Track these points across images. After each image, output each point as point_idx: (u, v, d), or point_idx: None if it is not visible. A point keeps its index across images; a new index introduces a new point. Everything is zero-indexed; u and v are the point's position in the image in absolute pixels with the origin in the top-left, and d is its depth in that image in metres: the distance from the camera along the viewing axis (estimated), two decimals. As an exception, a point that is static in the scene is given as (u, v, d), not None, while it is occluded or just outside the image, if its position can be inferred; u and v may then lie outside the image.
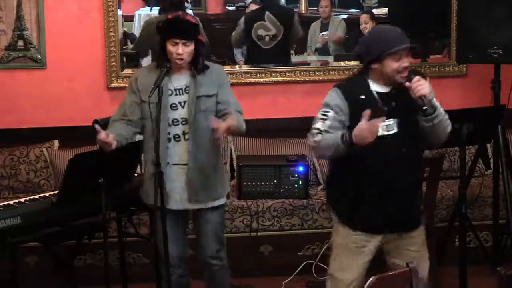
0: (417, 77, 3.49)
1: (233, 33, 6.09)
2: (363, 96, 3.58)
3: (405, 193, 3.64)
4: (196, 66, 3.91)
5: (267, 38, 6.04)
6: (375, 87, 3.60)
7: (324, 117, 3.58)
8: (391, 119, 3.57)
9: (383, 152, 3.56)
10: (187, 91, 3.92)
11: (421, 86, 3.46)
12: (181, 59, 3.85)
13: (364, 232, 3.68)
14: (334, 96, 3.63)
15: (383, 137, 3.53)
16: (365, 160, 3.55)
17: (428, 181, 4.70)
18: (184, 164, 3.95)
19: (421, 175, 3.68)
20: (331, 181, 3.87)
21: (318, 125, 3.57)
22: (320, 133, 3.54)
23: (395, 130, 3.58)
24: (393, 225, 3.69)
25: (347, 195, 3.67)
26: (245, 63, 6.08)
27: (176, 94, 3.93)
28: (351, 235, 3.69)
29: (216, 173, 4.02)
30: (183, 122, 3.93)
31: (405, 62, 3.52)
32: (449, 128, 3.65)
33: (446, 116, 3.62)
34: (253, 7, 6.42)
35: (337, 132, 3.52)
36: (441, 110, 3.57)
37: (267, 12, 6.07)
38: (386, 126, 3.56)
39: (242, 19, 6.08)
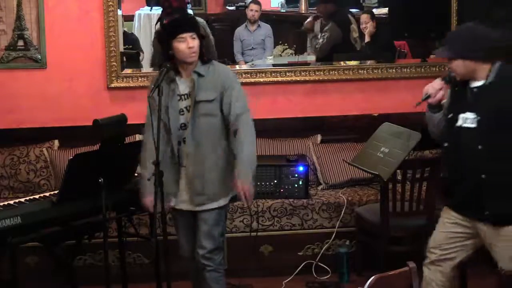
0: None
1: (329, 38, 6.01)
2: (457, 88, 3.82)
3: (481, 187, 3.67)
4: (202, 59, 3.93)
5: (358, 39, 6.07)
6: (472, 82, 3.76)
7: None
8: (472, 113, 3.68)
9: (459, 144, 3.72)
10: (190, 96, 3.94)
11: None
12: (193, 53, 3.87)
13: (454, 211, 3.87)
14: None
15: (461, 128, 3.71)
16: (446, 149, 3.81)
17: (428, 181, 4.71)
18: (184, 167, 3.99)
19: (503, 178, 3.64)
20: None
21: None
22: None
23: (474, 125, 3.67)
24: (470, 214, 3.81)
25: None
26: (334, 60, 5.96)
27: (183, 100, 3.96)
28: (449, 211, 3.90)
29: (216, 175, 3.98)
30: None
31: None
32: None
33: None
34: (254, 7, 6.42)
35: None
36: None
37: (349, 15, 6.08)
38: (465, 119, 3.70)
39: (334, 25, 6.01)
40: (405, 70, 5.78)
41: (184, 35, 3.86)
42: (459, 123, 3.72)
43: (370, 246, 5.01)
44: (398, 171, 4.73)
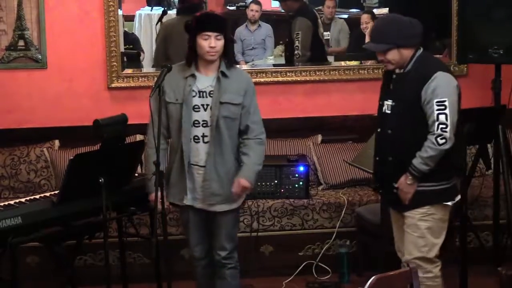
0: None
1: (304, 35, 5.94)
2: (387, 75, 4.01)
3: (387, 171, 3.92)
4: (229, 62, 3.95)
5: (323, 35, 6.08)
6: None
7: None
8: (391, 100, 3.88)
9: (378, 128, 3.98)
10: (211, 95, 3.92)
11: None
12: (214, 53, 3.86)
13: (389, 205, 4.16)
14: None
15: (384, 114, 3.92)
16: (377, 134, 4.03)
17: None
18: (201, 166, 3.97)
19: (405, 162, 3.80)
20: None
21: None
22: None
23: (389, 111, 3.87)
24: (386, 199, 4.16)
25: None
26: (308, 60, 5.93)
27: (200, 96, 3.94)
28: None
29: (233, 177, 3.98)
30: (204, 125, 3.93)
31: None
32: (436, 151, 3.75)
33: (428, 154, 3.75)
34: (254, 7, 6.41)
35: None
36: (422, 167, 3.77)
37: (314, 10, 6.10)
38: (387, 105, 3.89)
39: (304, 19, 5.97)
40: (406, 70, 5.76)
41: (209, 33, 3.86)
42: (384, 109, 3.92)
43: (370, 246, 5.01)
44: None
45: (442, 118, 3.68)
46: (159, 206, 3.80)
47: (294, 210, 5.19)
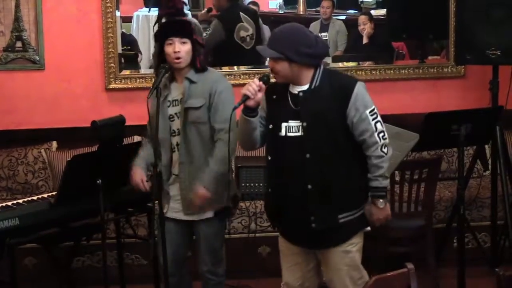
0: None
1: (208, 37, 5.82)
2: (275, 96, 3.53)
3: (307, 200, 3.46)
4: (195, 67, 3.86)
5: (248, 39, 5.99)
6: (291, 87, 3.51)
7: None
8: (296, 121, 3.44)
9: (284, 156, 3.47)
10: (181, 102, 3.89)
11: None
12: (179, 58, 3.80)
13: (281, 235, 3.69)
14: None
15: (285, 138, 3.46)
16: (270, 163, 3.53)
17: (426, 182, 4.71)
18: (177, 176, 3.91)
19: (328, 190, 3.44)
20: None
21: None
22: None
23: (299, 133, 3.42)
24: (292, 237, 3.63)
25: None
26: (221, 65, 5.82)
27: (173, 106, 3.91)
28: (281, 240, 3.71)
29: (210, 186, 3.84)
30: (178, 133, 3.90)
31: None
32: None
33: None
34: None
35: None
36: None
37: (241, 13, 6.02)
38: (288, 128, 3.45)
39: (217, 22, 5.94)
40: (403, 71, 5.77)
41: (173, 38, 3.79)
42: (282, 133, 3.46)
43: (368, 247, 5.00)
44: (397, 172, 4.73)
45: (379, 126, 3.44)
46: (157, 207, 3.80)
47: (292, 211, 5.18)
